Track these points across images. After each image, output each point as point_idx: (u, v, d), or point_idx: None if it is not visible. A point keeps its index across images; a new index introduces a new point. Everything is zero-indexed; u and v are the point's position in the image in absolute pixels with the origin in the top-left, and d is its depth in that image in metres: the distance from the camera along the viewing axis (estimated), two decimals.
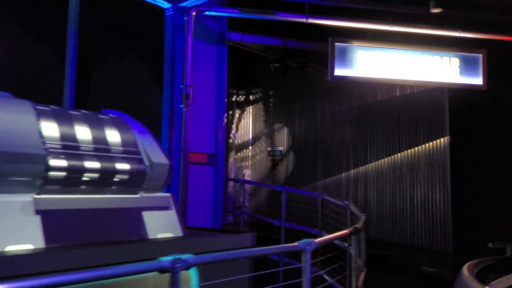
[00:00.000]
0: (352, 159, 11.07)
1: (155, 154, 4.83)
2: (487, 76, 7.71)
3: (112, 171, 4.38)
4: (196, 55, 7.25)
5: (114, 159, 4.45)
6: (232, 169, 13.51)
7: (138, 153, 4.71)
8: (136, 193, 4.62)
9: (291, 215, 8.33)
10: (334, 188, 11.39)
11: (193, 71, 7.10)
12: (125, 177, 4.49)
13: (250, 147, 13.61)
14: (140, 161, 4.67)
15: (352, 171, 11.05)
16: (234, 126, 13.76)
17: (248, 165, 13.56)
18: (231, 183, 13.33)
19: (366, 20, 7.27)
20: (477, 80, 7.65)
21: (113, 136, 4.61)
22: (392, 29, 7.29)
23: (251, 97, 13.83)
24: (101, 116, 4.71)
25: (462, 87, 7.72)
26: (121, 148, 4.59)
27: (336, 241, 5.55)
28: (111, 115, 4.93)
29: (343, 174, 11.23)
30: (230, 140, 13.66)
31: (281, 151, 12.76)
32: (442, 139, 9.47)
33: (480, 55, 7.65)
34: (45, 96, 6.39)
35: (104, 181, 4.34)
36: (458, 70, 7.59)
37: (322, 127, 11.82)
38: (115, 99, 6.80)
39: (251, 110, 13.77)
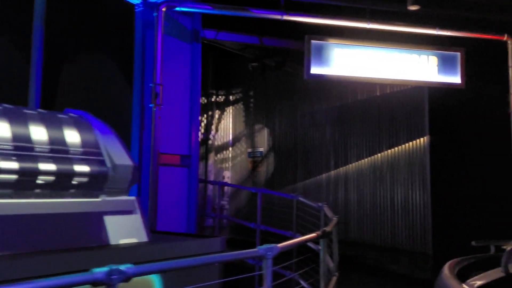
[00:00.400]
0: (332, 160, 10.95)
1: (118, 155, 4.59)
2: (466, 75, 7.63)
3: (70, 174, 4.14)
4: (169, 53, 7.04)
5: (72, 161, 4.21)
6: (211, 171, 13.30)
7: (100, 154, 4.47)
8: (97, 196, 4.38)
9: (270, 218, 8.15)
10: (314, 190, 11.25)
11: (165, 70, 6.88)
12: (85, 179, 4.25)
13: (230, 149, 13.41)
14: (101, 162, 4.43)
15: (332, 172, 10.93)
16: (213, 127, 13.55)
17: (228, 166, 13.35)
18: (211, 185, 13.11)
19: (343, 18, 7.13)
20: (455, 79, 7.56)
21: (72, 136, 4.36)
22: (369, 27, 7.16)
23: (231, 97, 13.64)
24: (60, 116, 4.47)
25: (440, 85, 7.63)
26: (81, 149, 4.35)
27: (309, 244, 5.38)
28: (71, 114, 4.68)
29: (324, 175, 11.09)
30: (210, 142, 13.44)
31: (261, 152, 12.59)
32: (422, 139, 9.40)
33: (458, 54, 7.57)
34: (9, 96, 6.11)
35: (61, 184, 4.10)
36: (436, 68, 7.49)
37: (303, 128, 11.68)
38: (84, 98, 6.54)
39: (231, 110, 13.58)
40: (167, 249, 4.35)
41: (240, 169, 13.15)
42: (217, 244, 4.73)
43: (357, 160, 10.46)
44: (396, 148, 9.82)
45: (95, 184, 4.34)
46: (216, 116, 13.67)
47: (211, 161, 13.31)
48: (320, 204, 5.69)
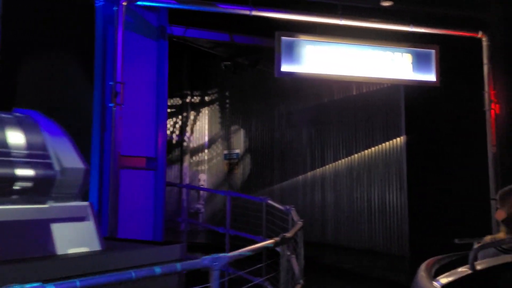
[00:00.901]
0: (309, 161, 10.74)
1: (68, 158, 4.29)
2: (441, 73, 7.49)
3: (12, 178, 3.83)
4: (133, 50, 6.75)
5: (14, 164, 3.90)
6: (186, 174, 12.98)
7: (47, 156, 4.16)
8: (43, 202, 4.07)
9: (242, 222, 7.90)
10: (291, 192, 11.04)
11: (129, 67, 6.58)
12: (29, 184, 3.95)
13: (206, 151, 13.11)
14: (49, 166, 4.12)
15: (309, 173, 10.72)
16: (188, 128, 13.24)
17: (204, 169, 13.05)
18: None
19: (315, 13, 6.92)
20: (430, 77, 7.42)
21: (15, 137, 4.05)
22: (342, 23, 6.96)
23: (206, 98, 13.35)
24: (2, 116, 4.15)
25: (415, 83, 7.47)
26: (25, 152, 4.04)
27: (277, 248, 5.14)
28: (17, 114, 4.36)
29: (300, 177, 10.88)
30: (185, 143, 13.12)
31: (237, 154, 12.32)
32: (398, 139, 9.24)
33: (433, 51, 7.42)
34: None
35: (2, 189, 3.79)
36: (410, 66, 7.33)
37: (279, 128, 11.46)
38: (42, 98, 6.20)
39: (206, 111, 13.29)
40: (119, 258, 4.06)
41: (216, 172, 12.86)
42: (176, 252, 4.45)
43: (333, 161, 10.27)
44: (372, 148, 9.65)
45: (41, 189, 4.03)
46: (192, 117, 13.36)
47: (186, 163, 12.99)
48: (287, 207, 5.45)
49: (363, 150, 9.82)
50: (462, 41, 7.92)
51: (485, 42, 7.74)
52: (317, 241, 10.35)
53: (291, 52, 6.79)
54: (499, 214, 2.60)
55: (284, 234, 3.18)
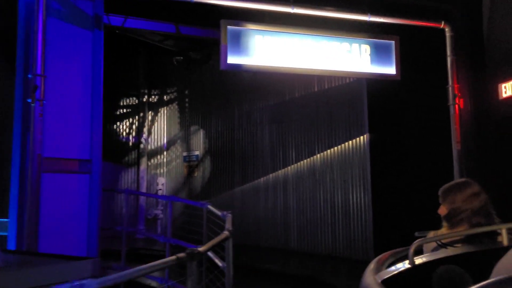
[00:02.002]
0: (270, 162, 10.25)
1: None
2: (403, 66, 7.09)
3: None
4: (63, 41, 6.14)
5: None
6: (144, 178, 12.33)
7: None
8: None
9: (189, 231, 7.32)
10: (252, 195, 10.52)
11: (58, 60, 5.98)
12: None
13: (165, 153, 12.49)
14: None
15: (271, 175, 10.22)
16: (146, 129, 12.59)
17: (163, 172, 12.43)
18: (143, 189, 12.15)
19: (263, 0, 6.41)
20: (390, 70, 7.01)
21: None
22: (294, 11, 6.48)
23: (165, 97, 12.74)
24: None
25: (374, 77, 7.06)
26: None
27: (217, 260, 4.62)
28: None
29: (262, 179, 10.38)
30: (142, 146, 12.47)
31: (197, 156, 11.75)
32: (361, 137, 8.83)
33: (392, 42, 7.02)
34: None
35: None
36: (368, 58, 6.91)
37: (240, 128, 10.93)
38: None
39: (165, 111, 12.67)
40: (12, 277, 3.47)
41: (175, 175, 12.25)
42: (87, 267, 3.89)
43: (296, 162, 9.80)
44: (335, 148, 9.22)
45: None
46: (149, 117, 12.72)
47: (143, 167, 12.34)
48: (224, 213, 4.93)
49: (326, 149, 9.38)
50: (425, 32, 7.55)
51: (448, 33, 7.39)
52: (281, 247, 9.86)
53: (238, 43, 6.28)
54: (441, 210, 2.66)
55: (193, 249, 2.65)
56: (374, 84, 8.36)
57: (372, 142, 8.65)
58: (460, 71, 7.42)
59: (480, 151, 7.25)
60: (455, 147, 7.34)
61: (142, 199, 11.91)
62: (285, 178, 9.95)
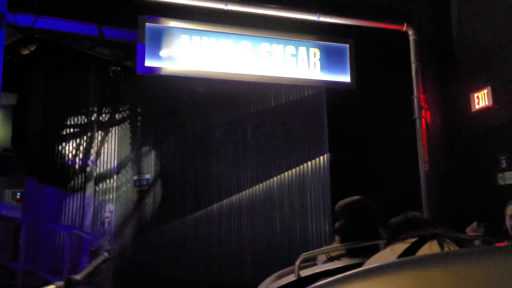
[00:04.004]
0: (224, 186, 9.25)
1: None
2: (357, 73, 6.23)
3: None
4: None
5: None
6: (90, 204, 11.24)
7: None
8: None
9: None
10: (205, 223, 9.49)
11: None
12: None
13: (115, 176, 11.44)
14: None
15: (224, 201, 9.21)
16: (94, 151, 11.56)
17: (112, 198, 11.35)
18: (89, 217, 11.06)
19: None
20: (344, 77, 6.13)
21: None
22: (228, 8, 5.61)
23: (117, 115, 11.76)
24: None
25: (324, 85, 6.19)
26: None
27: None
28: None
29: (215, 205, 9.35)
30: (88, 169, 11.42)
31: (148, 179, 10.72)
32: (321, 157, 7.88)
33: (347, 46, 6.16)
34: None
35: None
36: (318, 63, 6.03)
37: (192, 148, 9.96)
38: None
39: (116, 131, 11.67)
40: None
41: (125, 201, 11.18)
42: None
43: (251, 186, 8.82)
44: (293, 170, 8.26)
45: None
46: (99, 138, 11.72)
47: (89, 192, 11.26)
48: (96, 234, 3.94)
49: (283, 171, 8.41)
50: (388, 36, 6.72)
51: (411, 37, 6.56)
52: (234, 282, 8.79)
53: (159, 43, 5.37)
54: (336, 225, 2.82)
55: (70, 277, 2.13)
56: (334, 97, 7.50)
57: (332, 163, 7.71)
58: (427, 79, 6.57)
59: (451, 171, 6.33)
60: (422, 167, 6.42)
61: (86, 227, 10.80)
62: (239, 204, 8.95)
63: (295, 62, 5.91)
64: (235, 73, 5.71)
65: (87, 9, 6.16)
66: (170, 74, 5.53)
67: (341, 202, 2.89)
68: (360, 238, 2.54)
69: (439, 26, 6.61)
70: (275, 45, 5.85)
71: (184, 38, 5.49)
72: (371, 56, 6.58)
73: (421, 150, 6.44)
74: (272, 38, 5.86)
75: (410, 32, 6.54)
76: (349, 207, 2.80)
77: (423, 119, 6.46)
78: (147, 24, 5.33)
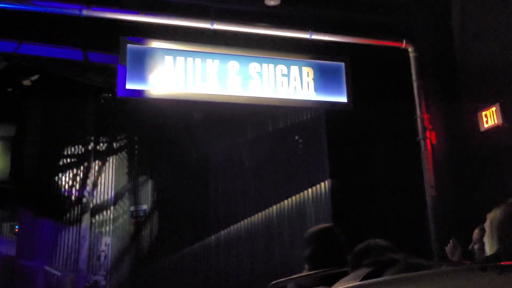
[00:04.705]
0: (222, 217, 8.85)
1: None
2: (354, 92, 5.88)
3: None
4: None
5: None
6: (85, 237, 10.85)
7: None
8: None
9: None
10: (202, 257, 9.05)
11: None
12: None
13: (112, 208, 11.08)
14: None
15: (222, 232, 8.79)
16: (90, 181, 11.26)
17: (108, 231, 10.97)
18: (84, 251, 10.66)
19: (174, 15, 5.29)
20: (340, 97, 5.79)
21: None
22: (214, 28, 5.35)
23: (115, 144, 11.50)
24: None
25: (318, 106, 5.86)
26: None
27: None
28: None
29: (213, 237, 8.92)
30: (84, 200, 11.10)
31: (145, 210, 10.35)
32: (322, 184, 7.47)
33: (342, 64, 5.84)
34: None
35: None
36: (312, 83, 5.70)
37: (189, 177, 9.62)
38: None
39: (113, 160, 11.38)
40: None
41: (122, 234, 10.78)
42: None
43: (249, 216, 8.41)
44: (293, 198, 7.86)
45: None
46: (96, 168, 11.42)
47: (84, 224, 10.89)
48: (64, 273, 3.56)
49: (283, 200, 8.00)
50: (386, 53, 6.40)
51: (412, 54, 6.23)
52: None
53: (142, 65, 5.10)
54: (304, 253, 2.89)
55: None
56: (334, 120, 7.15)
57: (334, 189, 7.29)
58: (430, 98, 6.20)
59: (459, 196, 5.87)
60: (429, 192, 5.97)
61: (82, 261, 10.40)
62: (238, 235, 8.52)
63: (287, 82, 5.59)
64: (223, 95, 5.40)
65: (70, 33, 5.95)
66: (153, 97, 5.24)
67: (310, 230, 2.98)
68: (328, 266, 2.57)
69: (439, 42, 6.28)
70: (265, 65, 5.55)
71: (167, 59, 5.22)
72: (368, 75, 6.25)
73: (427, 174, 6.02)
74: (261, 57, 5.57)
75: (410, 49, 6.22)
76: (317, 235, 2.88)
77: (428, 140, 6.07)
78: (128, 45, 5.08)
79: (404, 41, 6.17)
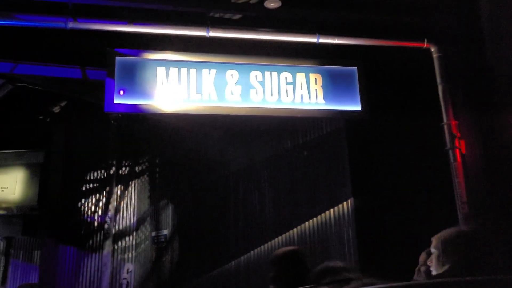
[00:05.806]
0: (242, 241, 8.35)
1: None
2: (369, 100, 5.33)
3: None
4: None
5: None
6: (107, 265, 10.59)
7: None
8: None
9: None
10: (223, 284, 8.53)
11: None
12: None
13: (135, 233, 10.81)
14: None
15: (242, 257, 8.27)
16: (112, 207, 11.05)
17: (131, 257, 10.67)
18: (106, 278, 10.39)
19: (165, 24, 4.96)
20: (353, 105, 5.24)
21: None
22: (211, 35, 4.98)
23: (137, 168, 11.30)
24: None
25: (330, 115, 5.32)
26: None
27: None
28: None
29: (233, 263, 8.42)
30: (106, 226, 10.88)
31: (165, 235, 9.99)
32: (345, 203, 6.87)
33: (355, 69, 5.31)
34: None
35: None
36: (321, 90, 5.20)
37: (209, 201, 9.21)
38: None
39: (136, 185, 11.17)
40: None
41: (144, 260, 10.45)
42: None
43: (269, 240, 7.86)
44: (315, 219, 7.27)
45: None
46: (118, 193, 11.23)
47: (106, 251, 10.64)
48: None
49: (305, 221, 7.43)
50: (405, 56, 5.82)
51: (435, 54, 5.62)
52: None
53: (132, 77, 4.78)
54: (269, 275, 3.08)
55: None
56: (355, 133, 6.60)
57: (357, 208, 6.67)
58: (457, 103, 5.54)
59: (496, 214, 5.13)
60: (461, 209, 5.27)
61: (105, 284, 10.13)
62: (258, 261, 7.97)
63: (292, 91, 5.11)
64: (221, 107, 4.98)
65: (67, 51, 5.76)
66: (144, 111, 4.90)
67: (275, 253, 3.18)
68: (292, 287, 2.71)
69: (465, 43, 5.63)
70: (267, 73, 5.11)
71: (160, 70, 4.88)
72: (386, 80, 5.68)
73: (457, 188, 5.32)
74: (263, 65, 5.14)
75: (432, 49, 5.62)
76: (281, 257, 3.03)
77: (457, 150, 5.38)
78: (117, 57, 4.78)
79: (426, 40, 5.58)
